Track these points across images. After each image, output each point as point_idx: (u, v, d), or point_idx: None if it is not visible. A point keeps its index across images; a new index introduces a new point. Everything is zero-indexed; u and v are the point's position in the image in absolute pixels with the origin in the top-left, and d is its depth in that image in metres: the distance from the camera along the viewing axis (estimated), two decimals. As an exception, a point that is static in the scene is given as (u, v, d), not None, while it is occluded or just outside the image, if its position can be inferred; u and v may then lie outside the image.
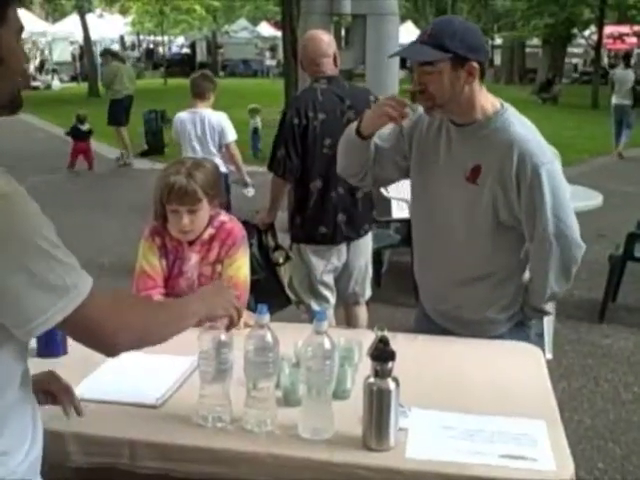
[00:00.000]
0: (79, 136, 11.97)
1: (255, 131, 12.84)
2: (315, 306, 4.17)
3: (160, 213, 2.61)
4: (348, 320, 4.34)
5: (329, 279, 4.20)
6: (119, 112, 11.92)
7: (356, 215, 4.08)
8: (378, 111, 2.36)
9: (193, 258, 2.62)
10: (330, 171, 3.82)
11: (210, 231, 2.62)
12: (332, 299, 4.26)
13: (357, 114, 3.78)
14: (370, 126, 2.42)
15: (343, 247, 4.15)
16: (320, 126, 3.89)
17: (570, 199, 2.34)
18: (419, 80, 2.29)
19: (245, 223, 2.97)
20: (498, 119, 2.33)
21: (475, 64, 2.27)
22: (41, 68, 30.89)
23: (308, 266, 4.12)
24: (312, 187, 3.96)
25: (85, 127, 12.07)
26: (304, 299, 4.22)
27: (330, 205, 3.98)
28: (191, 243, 2.62)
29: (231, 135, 5.98)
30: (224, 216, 2.68)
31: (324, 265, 4.13)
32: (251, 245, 3.19)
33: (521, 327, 2.52)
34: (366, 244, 4.30)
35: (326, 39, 4.00)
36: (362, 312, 4.39)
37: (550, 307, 2.50)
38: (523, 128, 2.33)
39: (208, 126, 5.89)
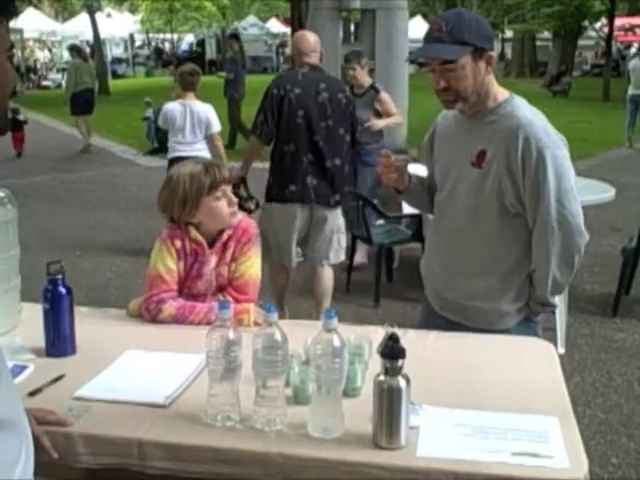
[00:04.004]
0: (17, 126, 12.86)
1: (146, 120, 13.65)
2: (278, 261, 4.74)
3: (185, 220, 2.58)
4: (314, 279, 4.94)
5: (293, 239, 4.68)
6: (80, 103, 13.19)
7: (325, 182, 4.63)
8: (382, 174, 2.55)
9: (213, 260, 2.62)
10: (301, 139, 4.60)
11: (228, 232, 2.61)
12: (295, 258, 4.76)
13: (331, 96, 4.64)
14: (391, 184, 2.59)
15: (307, 210, 4.66)
16: (295, 98, 4.55)
17: (576, 188, 2.32)
18: (441, 78, 2.29)
19: None
20: (507, 106, 2.35)
21: (492, 53, 2.29)
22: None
23: (275, 224, 4.66)
24: (286, 149, 4.61)
25: (21, 117, 13.06)
26: (267, 254, 4.46)
27: (301, 168, 4.59)
28: (211, 245, 2.61)
29: (215, 126, 6.40)
30: (239, 215, 2.68)
31: (288, 224, 4.65)
32: None
33: (528, 322, 2.50)
34: (334, 215, 4.78)
35: (314, 39, 4.76)
36: (326, 272, 4.92)
37: (556, 300, 2.46)
38: (530, 113, 2.34)
39: (196, 117, 6.32)
